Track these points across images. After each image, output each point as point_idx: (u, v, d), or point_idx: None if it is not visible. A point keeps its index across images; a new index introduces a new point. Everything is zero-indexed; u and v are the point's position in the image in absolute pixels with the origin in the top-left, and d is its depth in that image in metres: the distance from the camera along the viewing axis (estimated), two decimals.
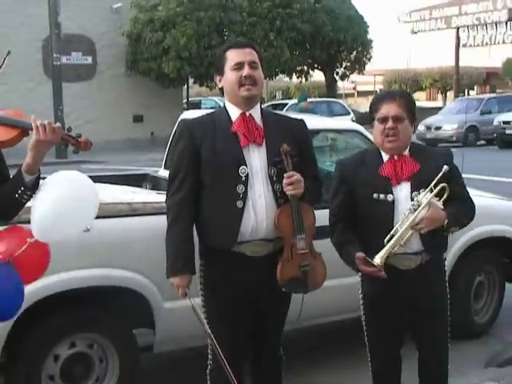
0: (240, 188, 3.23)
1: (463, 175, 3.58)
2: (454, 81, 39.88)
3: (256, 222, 3.26)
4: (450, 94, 38.19)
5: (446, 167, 3.30)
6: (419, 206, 3.24)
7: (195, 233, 3.38)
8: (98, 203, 2.83)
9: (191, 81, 27.51)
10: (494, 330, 5.89)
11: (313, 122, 5.56)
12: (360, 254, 3.28)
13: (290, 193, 3.24)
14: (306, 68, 30.01)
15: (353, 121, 23.05)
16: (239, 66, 3.27)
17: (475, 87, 56.18)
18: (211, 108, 27.09)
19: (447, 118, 26.34)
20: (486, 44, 38.11)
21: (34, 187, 2.72)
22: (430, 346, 3.60)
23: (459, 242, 5.39)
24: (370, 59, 30.84)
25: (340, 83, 36.28)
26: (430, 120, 26.94)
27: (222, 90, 3.41)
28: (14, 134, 2.76)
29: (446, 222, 3.26)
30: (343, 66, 30.96)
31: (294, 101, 28.08)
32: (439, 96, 55.23)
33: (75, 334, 4.04)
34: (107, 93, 26.00)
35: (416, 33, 40.79)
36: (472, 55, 42.77)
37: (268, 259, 3.31)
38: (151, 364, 4.82)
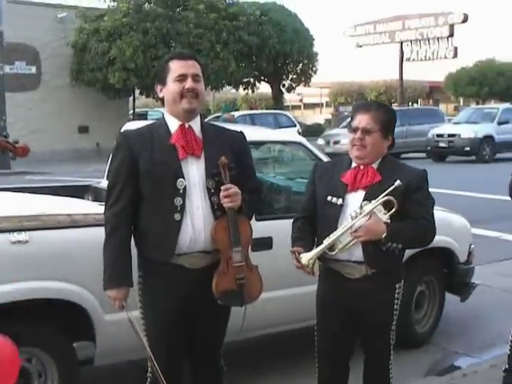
0: (178, 200, 3.22)
1: None
2: (399, 94, 40.62)
3: (194, 235, 3.25)
4: (395, 107, 38.89)
5: (398, 182, 3.30)
6: (361, 213, 3.29)
7: (133, 244, 3.36)
8: None
9: (137, 92, 27.36)
10: (434, 339, 5.98)
11: (256, 133, 5.61)
12: (295, 249, 3.40)
13: (227, 205, 3.23)
14: (252, 80, 30.22)
15: (299, 133, 23.21)
16: (182, 78, 3.26)
17: (419, 100, 57.25)
18: (158, 119, 26.96)
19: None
20: (429, 59, 38.85)
21: None
22: (373, 355, 3.64)
23: None
24: (315, 72, 31.22)
25: (287, 95, 36.58)
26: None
27: (162, 99, 3.39)
28: None
29: (384, 235, 3.28)
30: (289, 78, 31.24)
31: (243, 112, 28.26)
32: None
33: None
34: (52, 103, 25.71)
35: (361, 46, 41.38)
36: (416, 69, 43.61)
37: (206, 271, 3.30)
38: (92, 377, 4.75)
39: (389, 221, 3.31)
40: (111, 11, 24.86)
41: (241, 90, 31.65)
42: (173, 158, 3.25)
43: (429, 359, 5.60)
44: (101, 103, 26.36)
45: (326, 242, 3.33)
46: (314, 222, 3.58)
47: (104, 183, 5.78)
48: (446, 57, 38.41)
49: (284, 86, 31.76)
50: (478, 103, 43.12)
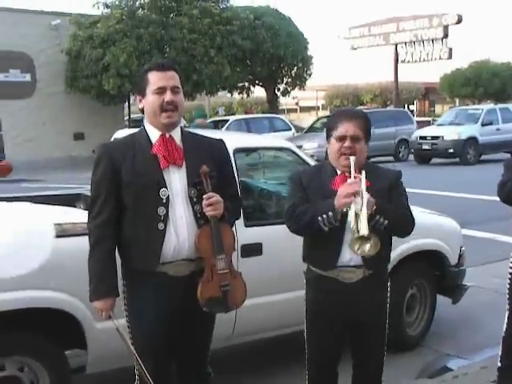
0: (161, 210, 3.25)
1: None
2: (394, 96, 40.60)
3: (178, 244, 3.28)
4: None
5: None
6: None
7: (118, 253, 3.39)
8: None
9: (132, 98, 27.38)
10: (426, 341, 6.01)
11: (244, 140, 5.65)
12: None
13: (210, 214, 3.26)
14: (247, 84, 30.23)
15: (293, 136, 23.18)
16: (161, 91, 3.28)
17: (415, 102, 57.32)
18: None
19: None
20: (424, 60, 38.86)
21: None
22: (366, 359, 3.68)
23: (391, 256, 5.49)
24: (310, 75, 31.22)
25: (282, 99, 36.61)
26: None
27: (142, 110, 3.42)
28: None
29: (375, 207, 3.29)
30: (284, 81, 31.26)
31: (238, 117, 28.29)
32: None
33: (4, 356, 3.97)
34: (47, 110, 25.72)
35: (356, 49, 41.38)
36: (411, 71, 43.67)
37: (191, 278, 3.33)
38: None
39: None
40: (105, 18, 24.84)
41: (236, 94, 31.69)
42: (155, 168, 3.27)
43: (420, 361, 5.63)
44: (96, 110, 26.36)
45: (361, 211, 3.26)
46: None
47: None
48: (440, 58, 38.41)
49: (279, 89, 31.81)
50: (474, 104, 43.17)
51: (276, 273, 4.84)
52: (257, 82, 30.86)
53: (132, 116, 29.90)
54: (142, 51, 23.74)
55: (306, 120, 50.94)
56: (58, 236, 4.10)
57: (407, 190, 3.67)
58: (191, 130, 3.90)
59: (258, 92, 34.78)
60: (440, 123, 26.55)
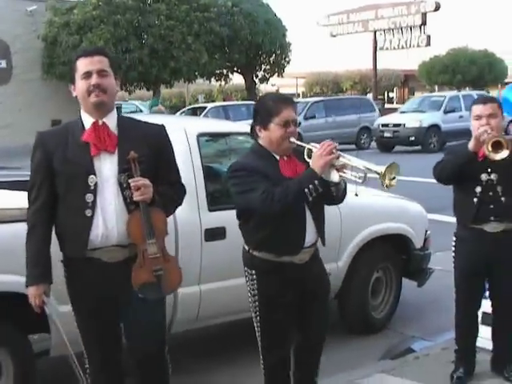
0: (89, 197, 3.27)
1: None
2: (373, 83, 40.73)
3: (106, 230, 3.30)
4: (370, 96, 39.02)
5: None
6: None
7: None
8: None
9: None
10: (392, 324, 6.10)
11: (211, 125, 5.67)
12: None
13: (138, 198, 3.27)
14: (225, 71, 30.16)
15: None
16: (88, 75, 3.30)
17: (394, 89, 57.48)
18: (131, 112, 26.92)
19: None
20: (402, 47, 39.02)
21: None
22: (315, 329, 3.81)
23: (355, 240, 5.57)
24: (289, 62, 31.15)
25: (262, 86, 36.57)
26: None
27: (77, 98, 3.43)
28: None
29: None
30: (262, 69, 31.20)
31: (216, 104, 28.28)
32: None
33: None
34: (24, 97, 25.49)
35: (335, 36, 41.46)
36: (391, 58, 43.74)
37: (126, 264, 3.35)
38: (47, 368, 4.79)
39: None
40: (81, 4, 24.61)
41: (215, 81, 31.61)
42: (84, 155, 3.30)
43: (386, 344, 5.72)
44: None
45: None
46: None
47: None
48: (418, 45, 38.58)
49: (257, 76, 31.74)
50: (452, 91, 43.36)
51: (240, 256, 4.88)
52: (235, 69, 30.77)
53: None
54: (119, 38, 23.57)
55: None
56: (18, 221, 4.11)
57: None
58: (150, 115, 3.92)
59: (237, 79, 34.69)
60: (403, 110, 26.17)
